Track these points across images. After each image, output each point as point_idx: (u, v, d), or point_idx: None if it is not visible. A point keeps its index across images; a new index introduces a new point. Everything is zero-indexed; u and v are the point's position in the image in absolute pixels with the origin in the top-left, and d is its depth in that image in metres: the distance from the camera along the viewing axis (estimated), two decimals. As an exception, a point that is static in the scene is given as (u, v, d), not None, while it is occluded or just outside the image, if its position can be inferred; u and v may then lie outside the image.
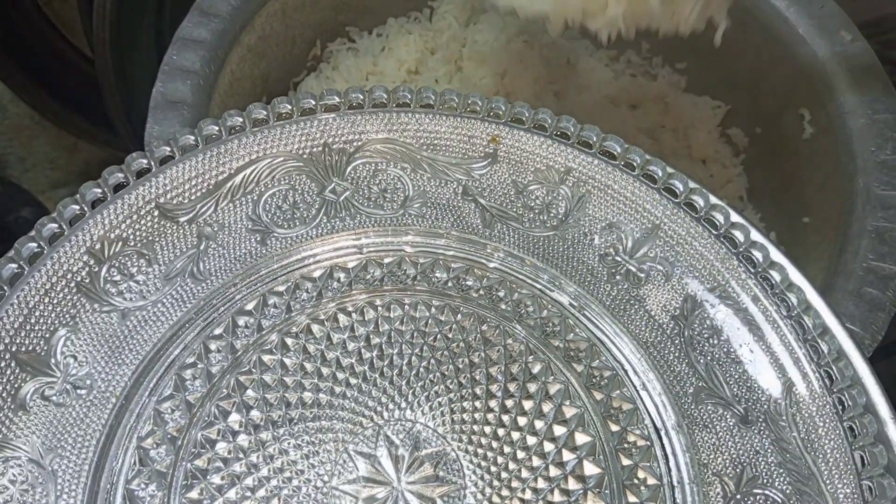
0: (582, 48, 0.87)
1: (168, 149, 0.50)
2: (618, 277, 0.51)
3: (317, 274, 0.51)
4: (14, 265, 0.46)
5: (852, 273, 0.60)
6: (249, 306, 0.49)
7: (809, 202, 0.72)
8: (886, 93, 0.68)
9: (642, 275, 0.51)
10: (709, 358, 0.48)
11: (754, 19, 0.76)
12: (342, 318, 0.49)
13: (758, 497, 0.43)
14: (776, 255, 0.49)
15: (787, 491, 0.43)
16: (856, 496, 0.42)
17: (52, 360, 0.45)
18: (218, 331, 0.48)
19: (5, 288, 0.45)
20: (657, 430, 0.46)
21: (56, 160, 1.06)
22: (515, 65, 0.83)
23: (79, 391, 0.45)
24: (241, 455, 0.44)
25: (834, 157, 0.68)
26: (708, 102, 0.85)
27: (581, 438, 0.46)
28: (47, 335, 0.45)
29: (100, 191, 0.49)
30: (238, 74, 0.76)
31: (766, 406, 0.46)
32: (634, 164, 0.52)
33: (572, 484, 0.44)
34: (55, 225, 0.47)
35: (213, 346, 0.47)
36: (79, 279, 0.47)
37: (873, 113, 0.67)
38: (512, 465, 0.44)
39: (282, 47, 0.84)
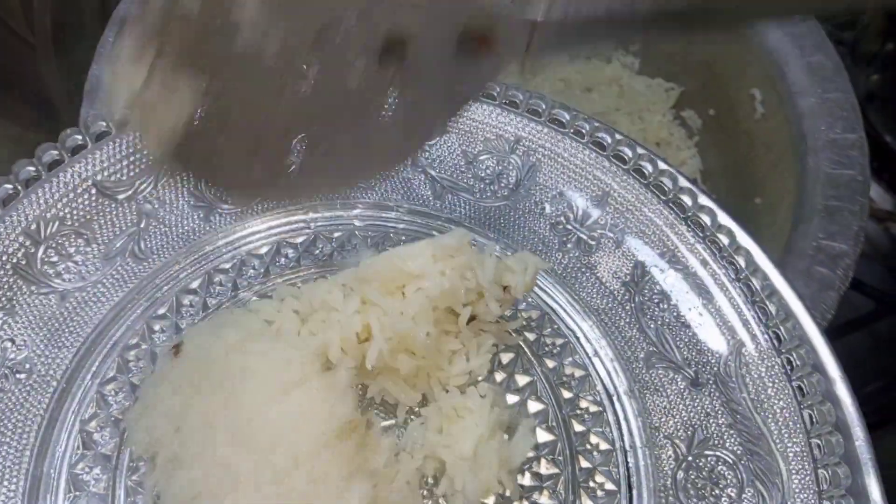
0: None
1: (104, 125, 0.49)
2: (569, 245, 0.51)
3: (263, 250, 0.50)
4: (-58, 247, 0.44)
5: (803, 252, 0.60)
6: (194, 285, 0.48)
7: (761, 182, 0.72)
8: (836, 72, 0.68)
9: (593, 242, 0.51)
10: (659, 322, 0.48)
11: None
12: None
13: (709, 458, 0.44)
14: (724, 219, 0.49)
15: (738, 451, 0.43)
16: (805, 454, 0.42)
17: (-12, 346, 0.43)
18: (162, 310, 0.47)
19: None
20: (609, 396, 0.46)
21: None
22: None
23: (17, 375, 0.43)
24: (188, 435, 0.43)
25: (785, 137, 0.68)
26: (662, 84, 0.85)
27: (534, 406, 0.45)
28: (-18, 319, 0.44)
29: (34, 169, 0.47)
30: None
31: (716, 368, 0.46)
32: (583, 131, 0.52)
33: (526, 452, 0.44)
34: (-13, 204, 0.45)
35: (156, 327, 0.46)
36: (14, 261, 0.45)
37: (823, 92, 0.68)
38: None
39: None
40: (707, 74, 0.79)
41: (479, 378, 0.44)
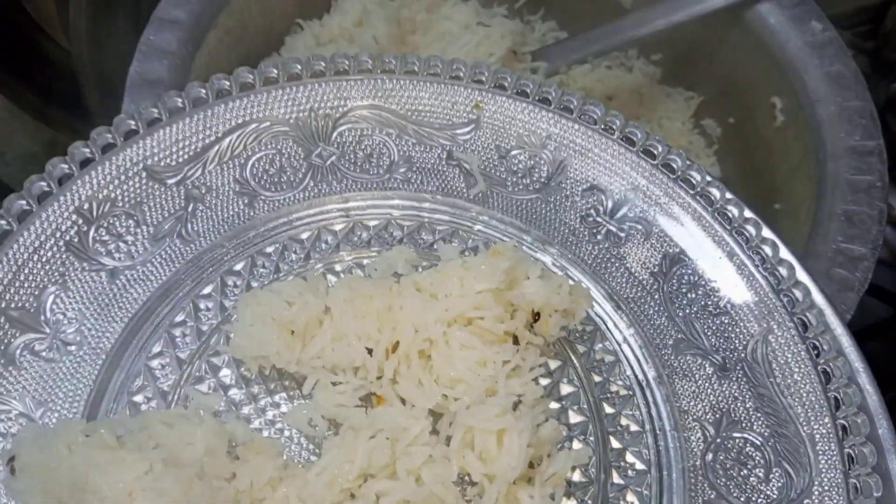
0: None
1: (156, 111, 0.51)
2: (599, 237, 0.52)
3: (304, 236, 0.52)
4: (3, 222, 0.46)
5: (822, 254, 0.61)
6: (238, 267, 0.50)
7: (780, 189, 0.74)
8: (855, 81, 0.69)
9: (622, 234, 0.52)
10: (687, 311, 0.49)
11: (727, 12, 0.77)
12: (330, 278, 0.50)
13: (737, 440, 0.45)
14: (750, 213, 0.51)
15: (766, 434, 0.45)
16: (831, 435, 0.44)
17: (42, 318, 0.45)
18: (207, 290, 0.49)
19: (-8, 247, 0.45)
20: (638, 381, 0.47)
21: (35, 155, 1.04)
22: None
23: (69, 347, 0.45)
24: (232, 408, 0.45)
25: (804, 144, 0.69)
26: (682, 94, 0.87)
27: (566, 389, 0.47)
28: (37, 293, 0.46)
29: (88, 151, 0.49)
30: (215, 56, 0.76)
31: (743, 354, 0.47)
32: (614, 127, 0.54)
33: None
34: (44, 184, 0.47)
35: (202, 305, 0.48)
36: (67, 238, 0.47)
37: (843, 100, 0.69)
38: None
39: (259, 31, 0.85)
40: (727, 83, 0.81)
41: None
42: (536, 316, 0.46)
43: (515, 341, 0.44)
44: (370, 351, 0.43)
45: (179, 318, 0.47)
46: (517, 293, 0.45)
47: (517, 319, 0.45)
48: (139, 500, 0.36)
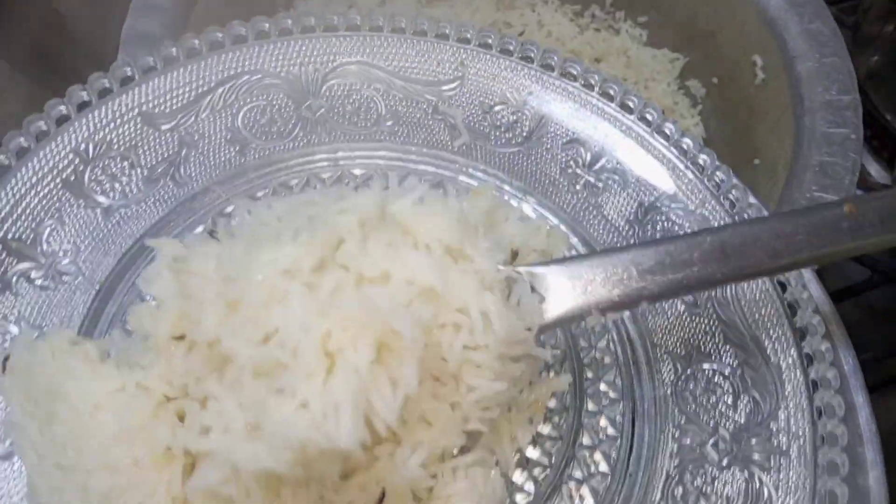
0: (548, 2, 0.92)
1: (151, 60, 0.53)
2: (577, 188, 0.54)
3: (293, 182, 0.54)
4: (2, 157, 0.47)
5: (796, 203, 0.64)
6: (229, 209, 0.51)
7: (760, 145, 0.76)
8: (833, 37, 0.72)
9: (600, 185, 0.54)
10: (661, 255, 0.51)
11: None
12: (317, 221, 0.52)
13: (706, 371, 0.47)
14: (720, 163, 0.53)
15: (734, 364, 0.46)
16: (796, 364, 0.45)
17: (39, 249, 0.47)
18: (199, 230, 0.50)
19: (-7, 179, 0.47)
20: (613, 321, 0.49)
21: (14, 115, 1.05)
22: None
23: (63, 277, 0.46)
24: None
25: (784, 100, 0.71)
26: (667, 55, 0.89)
27: (543, 324, 0.49)
28: (34, 225, 0.47)
29: (85, 94, 0.51)
30: (210, 14, 0.77)
31: (713, 293, 0.49)
32: (593, 82, 0.56)
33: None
34: (42, 123, 0.49)
35: (193, 243, 0.50)
36: (64, 176, 0.49)
37: (821, 56, 0.72)
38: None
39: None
40: (710, 44, 0.83)
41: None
42: (515, 254, 0.47)
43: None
44: None
45: (171, 255, 0.49)
46: (497, 234, 0.47)
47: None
48: (103, 414, 0.37)
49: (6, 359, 0.38)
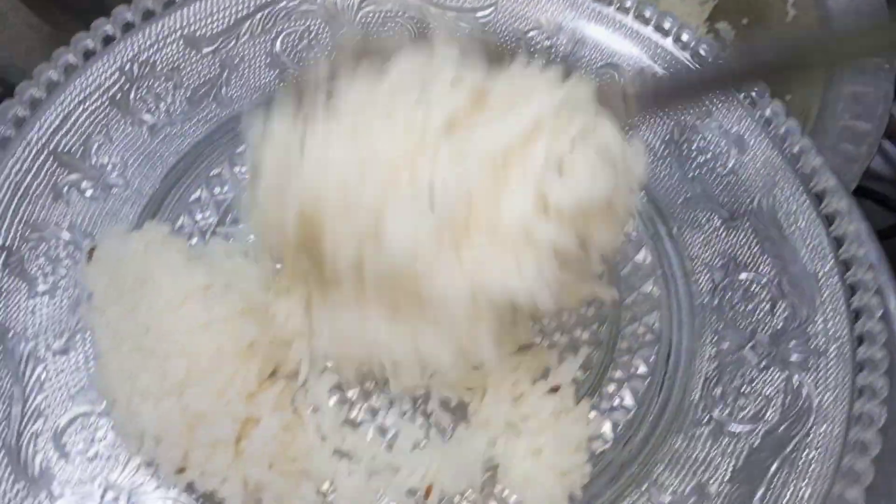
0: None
1: (193, -17, 0.54)
2: (613, 111, 0.55)
3: (332, 107, 0.54)
4: (52, 72, 0.49)
5: (830, 131, 0.64)
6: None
7: (791, 82, 0.76)
8: (866, -33, 0.71)
9: (635, 107, 0.55)
10: (697, 172, 0.52)
11: None
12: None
13: (744, 281, 0.47)
14: (758, 87, 0.53)
15: (771, 273, 0.47)
16: (833, 270, 0.46)
17: (88, 162, 0.48)
18: (240, 149, 0.51)
19: (43, 94, 0.48)
20: (650, 236, 0.50)
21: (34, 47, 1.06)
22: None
23: (112, 189, 0.48)
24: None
25: (815, 35, 0.71)
26: (696, -2, 0.89)
27: (581, 237, 0.49)
28: (83, 139, 0.48)
29: (130, 15, 0.52)
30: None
31: (750, 207, 0.49)
32: (628, 5, 0.56)
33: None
34: (89, 41, 0.50)
35: (237, 161, 0.51)
36: (111, 94, 0.50)
37: (853, -13, 0.72)
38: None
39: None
40: None
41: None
42: None
43: None
44: None
45: (216, 171, 0.50)
46: None
47: None
48: (192, 304, 0.39)
49: (92, 249, 0.40)
